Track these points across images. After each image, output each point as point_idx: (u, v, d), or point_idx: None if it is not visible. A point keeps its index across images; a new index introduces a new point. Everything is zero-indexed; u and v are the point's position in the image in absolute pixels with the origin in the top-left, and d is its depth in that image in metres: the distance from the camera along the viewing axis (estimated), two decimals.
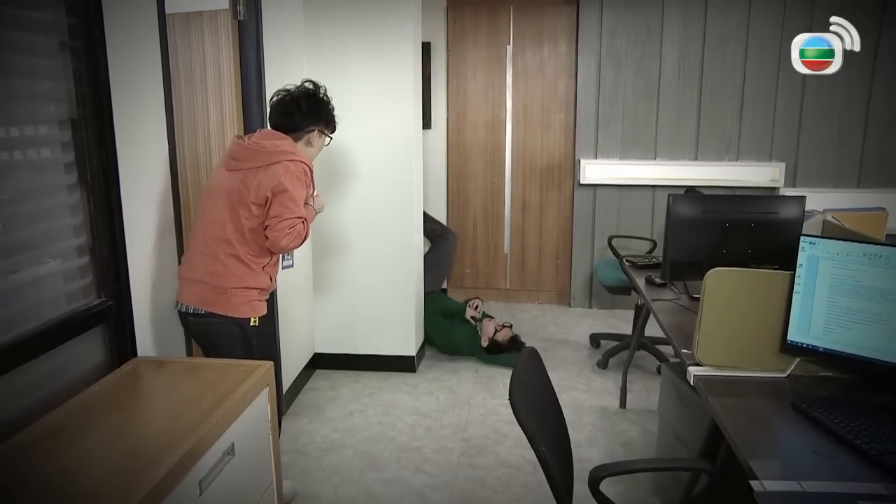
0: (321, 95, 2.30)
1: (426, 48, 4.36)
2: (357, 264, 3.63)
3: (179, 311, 2.16)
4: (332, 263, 3.64)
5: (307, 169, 2.18)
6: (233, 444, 1.67)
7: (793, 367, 1.78)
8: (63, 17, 1.78)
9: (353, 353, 3.70)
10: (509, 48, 4.73)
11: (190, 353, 2.32)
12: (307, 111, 2.24)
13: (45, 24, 1.76)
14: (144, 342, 2.04)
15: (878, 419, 1.50)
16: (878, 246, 1.63)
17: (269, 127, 2.31)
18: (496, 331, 3.85)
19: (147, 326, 2.08)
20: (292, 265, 2.42)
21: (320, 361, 3.72)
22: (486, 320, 4.00)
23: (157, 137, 2.12)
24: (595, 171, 4.61)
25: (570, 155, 4.75)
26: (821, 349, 1.71)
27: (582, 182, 4.64)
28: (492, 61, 4.76)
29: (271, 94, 2.32)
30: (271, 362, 1.95)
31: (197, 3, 2.80)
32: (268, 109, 2.91)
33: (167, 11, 2.19)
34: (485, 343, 3.83)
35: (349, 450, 2.87)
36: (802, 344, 1.73)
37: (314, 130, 2.28)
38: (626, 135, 4.59)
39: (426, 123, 4.46)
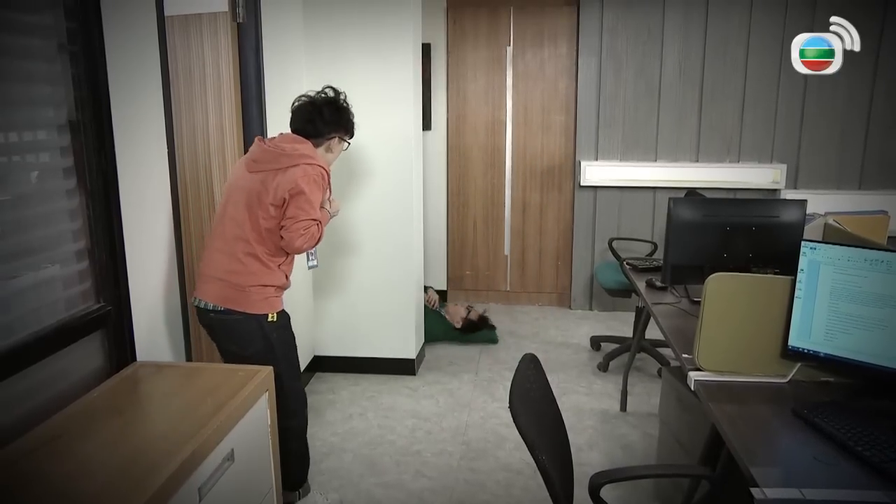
0: (342, 103, 2.37)
1: (426, 49, 4.35)
2: (357, 267, 3.63)
3: (197, 307, 2.21)
4: (332, 266, 3.63)
5: (324, 173, 2.25)
6: (232, 449, 1.67)
7: (793, 372, 1.77)
8: (62, 20, 1.77)
9: (352, 356, 3.69)
10: (509, 49, 4.72)
11: (189, 358, 2.32)
12: (329, 118, 2.31)
13: (44, 28, 1.76)
14: (143, 347, 2.04)
15: (880, 425, 1.49)
16: (879, 251, 1.63)
17: (290, 130, 2.36)
18: (468, 311, 4.20)
19: (146, 331, 2.07)
20: (317, 265, 2.50)
21: (320, 364, 3.71)
22: (450, 305, 4.33)
23: (156, 141, 2.12)
24: (595, 172, 4.61)
25: (571, 156, 4.74)
26: (822, 355, 1.70)
27: (582, 184, 4.63)
28: (492, 62, 4.76)
29: (293, 100, 2.37)
30: (270, 367, 1.96)
31: (196, 5, 2.79)
32: (267, 112, 2.93)
33: (166, 14, 2.19)
34: (459, 325, 4.14)
35: (349, 453, 2.86)
36: (803, 349, 1.73)
37: (335, 137, 2.35)
38: (626, 136, 4.58)
39: (426, 125, 4.45)
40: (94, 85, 1.83)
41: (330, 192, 2.35)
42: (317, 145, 2.30)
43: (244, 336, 2.18)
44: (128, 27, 1.97)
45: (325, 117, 2.29)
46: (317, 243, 2.23)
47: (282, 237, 2.16)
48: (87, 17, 1.80)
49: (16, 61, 1.68)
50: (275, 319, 2.22)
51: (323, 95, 2.35)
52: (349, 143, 2.45)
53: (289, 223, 2.13)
